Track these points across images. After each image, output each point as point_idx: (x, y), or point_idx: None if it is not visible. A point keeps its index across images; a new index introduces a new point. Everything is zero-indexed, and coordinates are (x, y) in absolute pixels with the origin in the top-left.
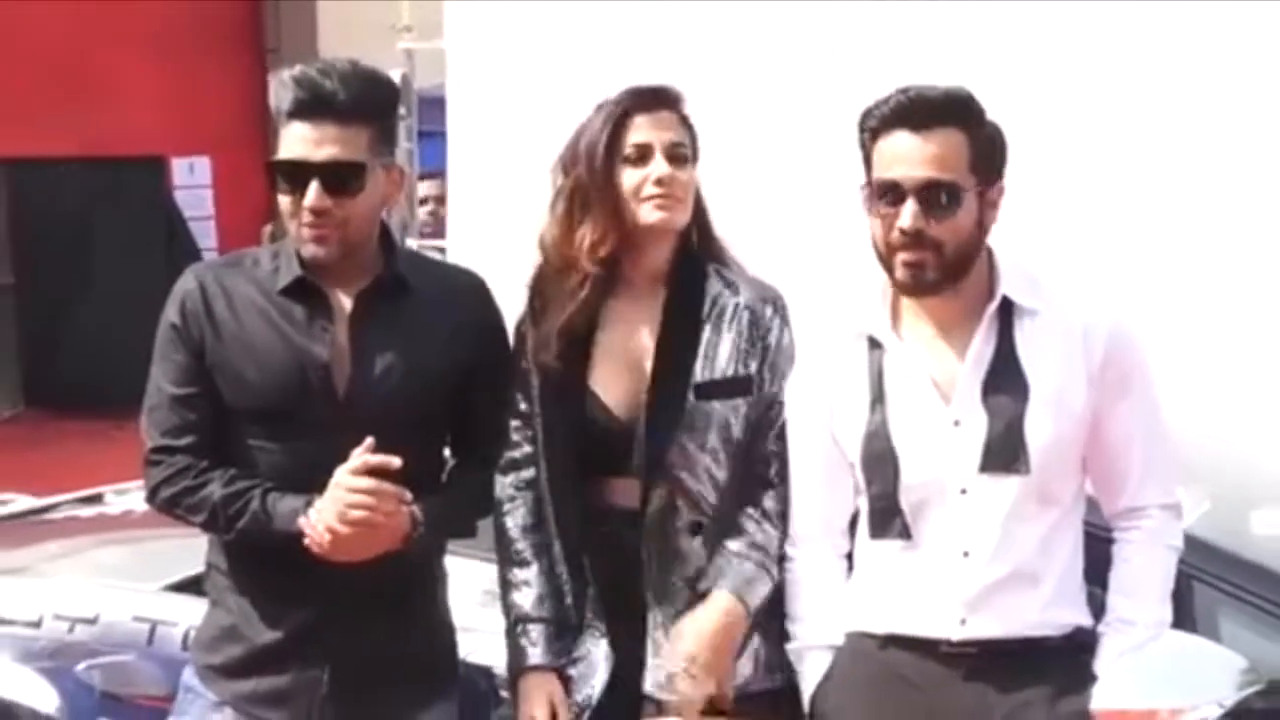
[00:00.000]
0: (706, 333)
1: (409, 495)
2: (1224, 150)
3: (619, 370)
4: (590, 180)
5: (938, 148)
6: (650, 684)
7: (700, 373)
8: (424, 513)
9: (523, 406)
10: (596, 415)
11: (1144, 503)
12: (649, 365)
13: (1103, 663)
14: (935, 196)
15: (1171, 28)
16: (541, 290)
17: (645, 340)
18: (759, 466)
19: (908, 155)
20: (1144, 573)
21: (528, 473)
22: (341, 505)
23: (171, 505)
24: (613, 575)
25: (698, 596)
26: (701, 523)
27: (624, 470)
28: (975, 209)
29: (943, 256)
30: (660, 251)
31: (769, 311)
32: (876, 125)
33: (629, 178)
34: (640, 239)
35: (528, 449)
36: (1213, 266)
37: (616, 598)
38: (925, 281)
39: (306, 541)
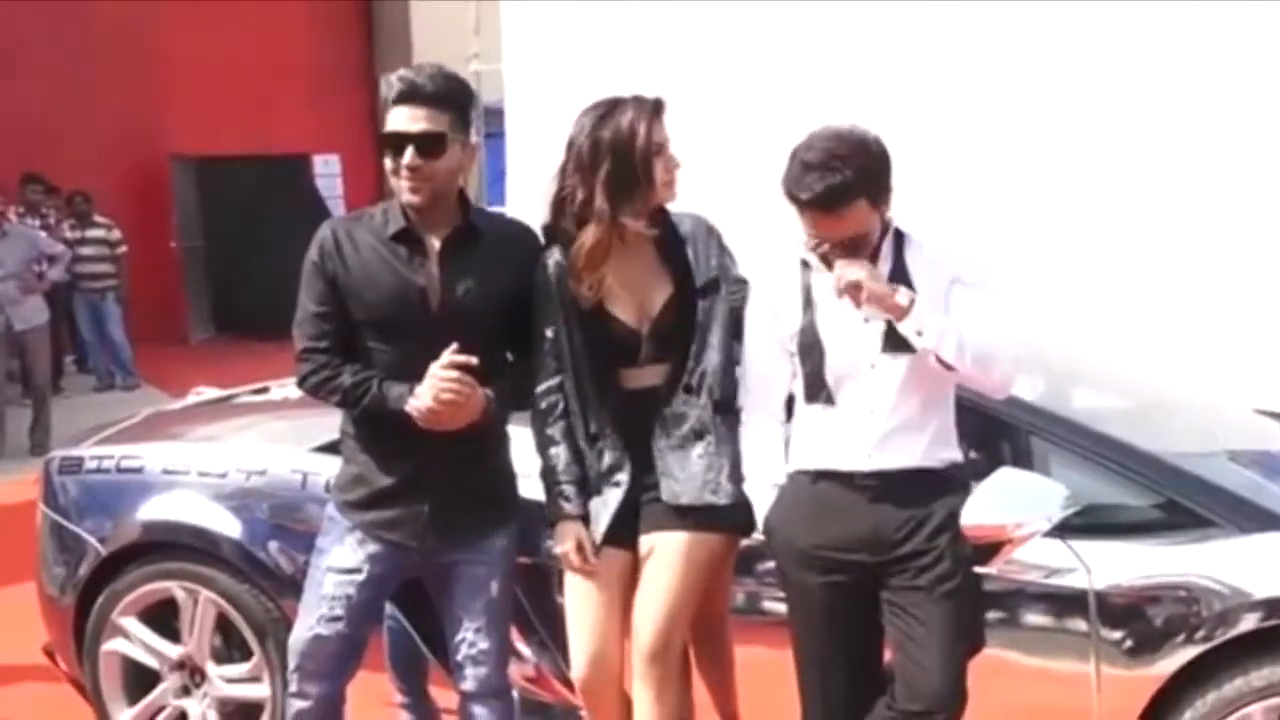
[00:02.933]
0: (689, 254)
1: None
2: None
3: (628, 297)
4: (640, 171)
5: (849, 218)
6: (666, 494)
7: (697, 280)
8: (494, 393)
9: (549, 333)
10: (616, 330)
11: None
12: (650, 289)
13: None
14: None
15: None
16: (581, 253)
17: (644, 273)
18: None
19: (825, 224)
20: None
21: (554, 380)
22: (435, 389)
23: (315, 390)
24: (630, 434)
25: (686, 439)
26: (691, 385)
27: (635, 363)
28: (874, 218)
29: (856, 245)
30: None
31: (708, 231)
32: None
33: (657, 169)
34: (651, 208)
35: (553, 363)
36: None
37: (634, 447)
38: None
39: (414, 416)
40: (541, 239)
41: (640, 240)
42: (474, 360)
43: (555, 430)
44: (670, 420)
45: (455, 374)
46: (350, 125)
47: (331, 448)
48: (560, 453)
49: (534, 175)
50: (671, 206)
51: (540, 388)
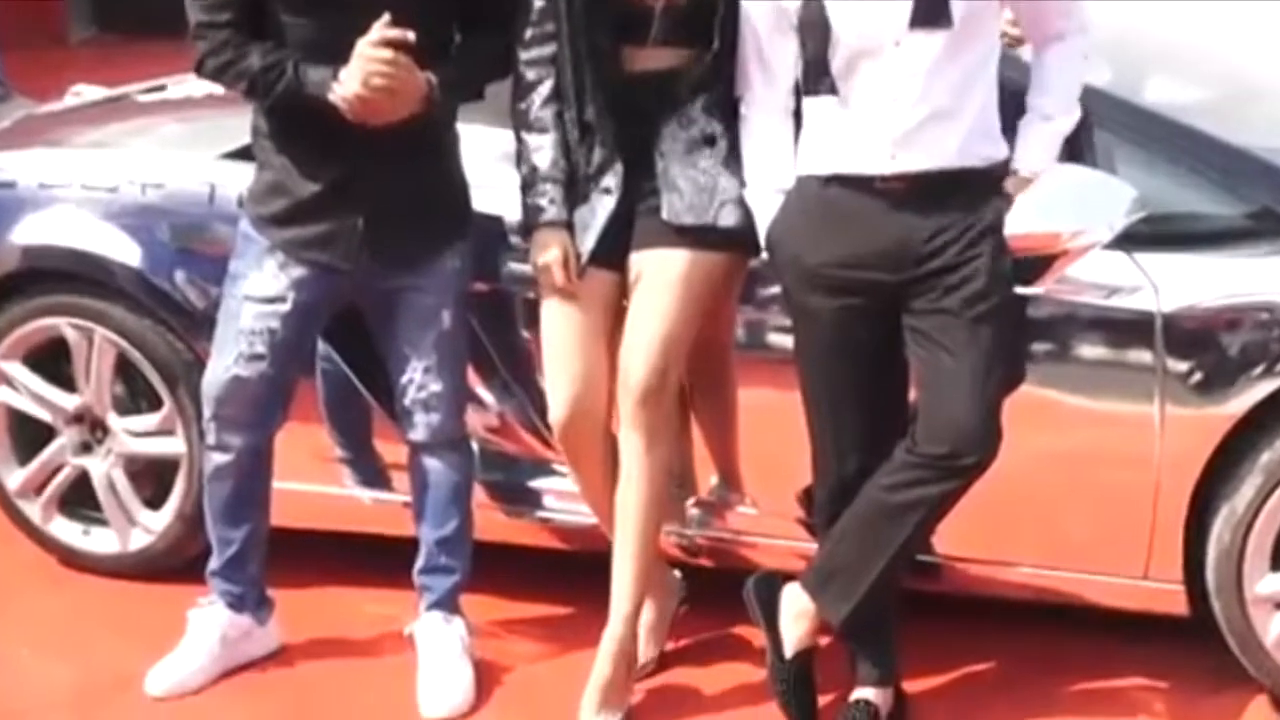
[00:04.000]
0: None
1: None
2: None
3: None
4: None
5: None
6: (667, 212)
7: None
8: (438, 78)
9: None
10: None
11: (1065, 29)
12: None
13: (1021, 153)
14: None
15: None
16: None
17: None
18: None
19: None
20: (1060, 73)
21: (549, 49)
22: (364, 72)
23: (218, 75)
24: (626, 129)
25: (694, 144)
26: (706, 80)
27: (644, 42)
28: None
29: None
30: None
31: None
32: None
33: None
34: None
35: (549, 28)
36: None
37: (629, 148)
38: None
39: (340, 106)
40: None
41: None
42: (411, 36)
43: (545, 113)
44: (677, 120)
45: (389, 53)
46: None
47: (244, 153)
48: (547, 142)
49: None
50: None
51: (527, 55)
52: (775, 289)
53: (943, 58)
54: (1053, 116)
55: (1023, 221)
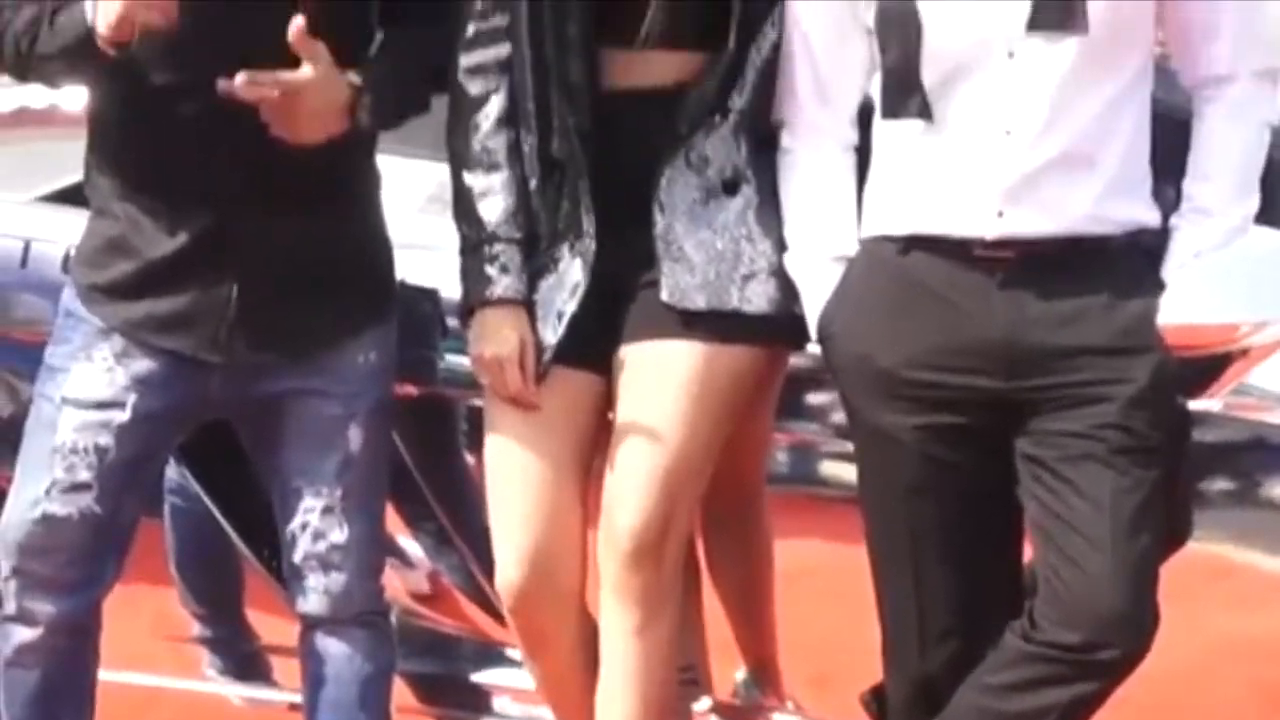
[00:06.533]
0: None
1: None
2: None
3: None
4: None
5: None
6: (669, 290)
7: None
8: (364, 78)
9: None
10: None
11: (1233, 69)
12: None
13: (1172, 264)
14: None
15: None
16: None
17: None
18: None
19: None
20: (1228, 152)
21: (502, 49)
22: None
23: None
24: (608, 171)
25: (710, 192)
26: (729, 101)
27: (632, 42)
28: None
29: None
30: None
31: None
32: None
33: None
34: None
35: (498, 20)
36: None
37: (613, 200)
38: None
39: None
40: None
41: None
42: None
43: (496, 143)
44: (684, 156)
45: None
46: None
47: (73, 195)
48: (498, 184)
49: None
50: None
51: (469, 60)
52: (830, 397)
53: (1074, 76)
54: (1213, 211)
55: (1186, 308)
